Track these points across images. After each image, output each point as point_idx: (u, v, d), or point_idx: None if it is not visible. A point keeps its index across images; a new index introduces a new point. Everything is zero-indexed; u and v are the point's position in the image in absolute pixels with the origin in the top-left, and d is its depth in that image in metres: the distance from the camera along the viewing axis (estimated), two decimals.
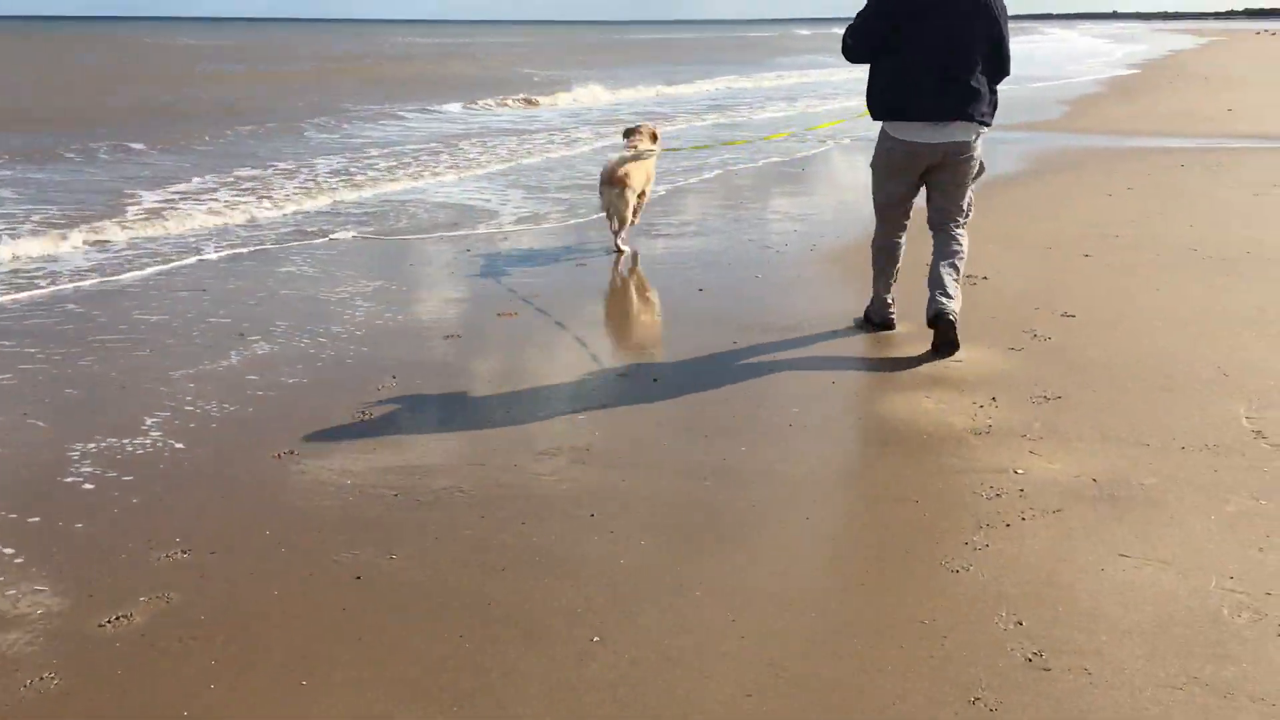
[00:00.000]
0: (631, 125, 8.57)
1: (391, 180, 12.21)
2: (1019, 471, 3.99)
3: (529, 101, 23.06)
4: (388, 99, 24.29)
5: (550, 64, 43.36)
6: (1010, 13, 5.43)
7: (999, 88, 5.45)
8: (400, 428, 4.55)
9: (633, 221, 8.05)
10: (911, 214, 5.78)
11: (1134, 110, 19.71)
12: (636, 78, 31.94)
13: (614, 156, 7.97)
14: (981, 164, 5.56)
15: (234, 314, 6.39)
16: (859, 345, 5.69)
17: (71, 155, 14.00)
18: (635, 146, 8.04)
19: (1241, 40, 66.75)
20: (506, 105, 22.60)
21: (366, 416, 4.66)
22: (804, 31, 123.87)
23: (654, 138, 8.33)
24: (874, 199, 5.73)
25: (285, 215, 9.93)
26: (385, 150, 14.98)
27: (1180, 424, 4.43)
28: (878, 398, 4.89)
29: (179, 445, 4.35)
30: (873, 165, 5.68)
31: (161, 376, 5.22)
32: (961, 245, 5.54)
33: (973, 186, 5.58)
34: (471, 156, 14.38)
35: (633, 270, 7.62)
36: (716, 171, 12.54)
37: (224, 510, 3.78)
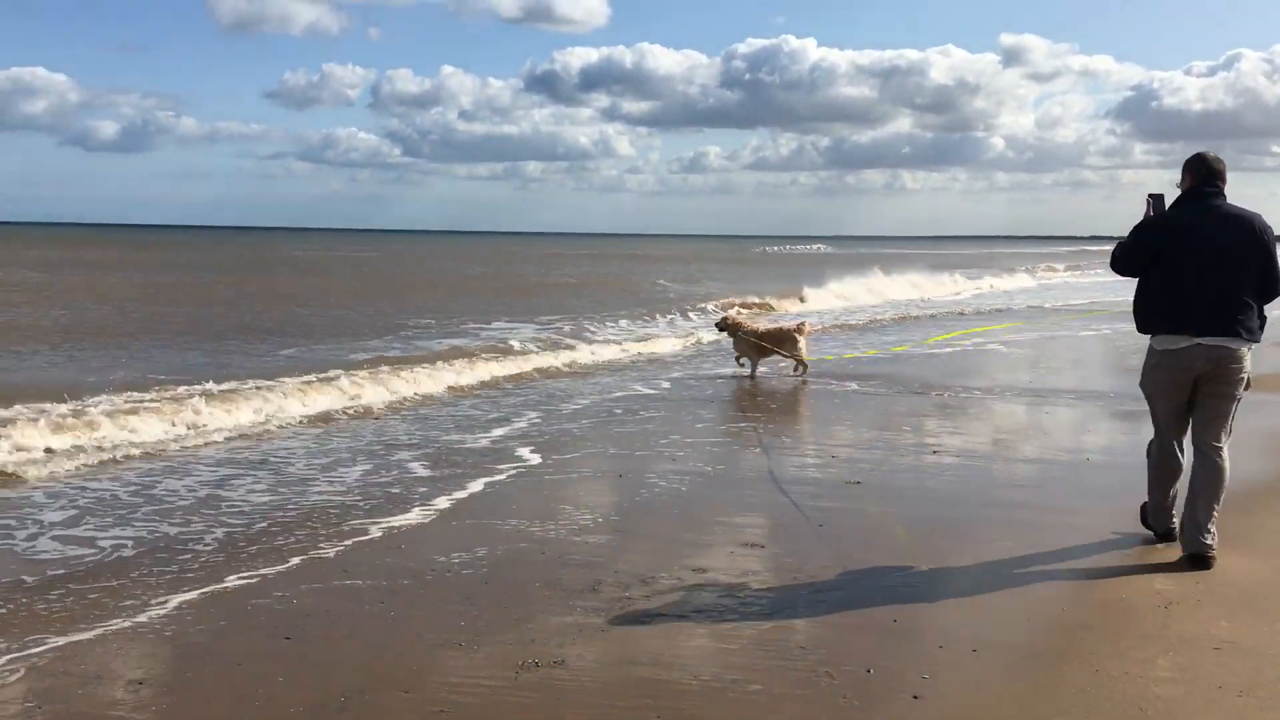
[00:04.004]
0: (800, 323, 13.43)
1: None
2: None
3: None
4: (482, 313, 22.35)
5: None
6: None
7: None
8: None
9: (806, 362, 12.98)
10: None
11: None
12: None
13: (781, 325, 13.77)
14: (1249, 379, 5.64)
15: None
16: None
17: None
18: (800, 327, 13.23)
19: None
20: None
21: None
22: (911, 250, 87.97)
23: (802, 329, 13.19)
24: (1151, 412, 5.93)
25: None
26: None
27: None
28: None
29: None
30: (1141, 384, 5.93)
31: None
32: (1223, 471, 5.62)
33: (1238, 401, 5.64)
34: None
35: None
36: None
37: None
